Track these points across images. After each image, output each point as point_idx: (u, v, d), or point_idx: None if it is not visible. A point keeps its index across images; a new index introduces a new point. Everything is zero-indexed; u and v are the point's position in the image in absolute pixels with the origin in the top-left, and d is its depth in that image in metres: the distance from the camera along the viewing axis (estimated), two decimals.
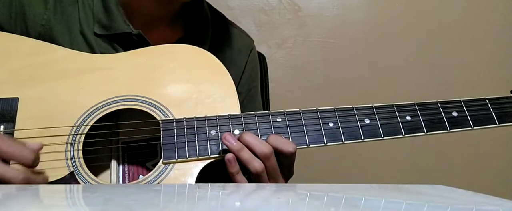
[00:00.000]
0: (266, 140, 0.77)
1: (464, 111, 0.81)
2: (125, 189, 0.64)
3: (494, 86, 1.63)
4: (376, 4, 1.65)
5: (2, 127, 0.77)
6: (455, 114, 0.81)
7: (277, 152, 0.77)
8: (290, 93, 1.57)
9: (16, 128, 0.77)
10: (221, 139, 0.77)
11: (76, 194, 0.57)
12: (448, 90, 1.63)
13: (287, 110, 0.80)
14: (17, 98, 0.79)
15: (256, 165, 0.76)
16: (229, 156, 0.76)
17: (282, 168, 0.78)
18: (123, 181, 0.82)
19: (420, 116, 0.81)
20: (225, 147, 0.77)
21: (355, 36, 1.63)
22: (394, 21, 1.64)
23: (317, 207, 0.48)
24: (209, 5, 1.03)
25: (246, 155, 0.76)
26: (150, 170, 0.84)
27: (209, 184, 0.76)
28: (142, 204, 0.48)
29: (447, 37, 1.64)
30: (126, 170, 0.84)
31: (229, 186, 0.67)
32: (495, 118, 0.81)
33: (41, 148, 0.72)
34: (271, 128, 0.79)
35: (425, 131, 0.80)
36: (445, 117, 0.81)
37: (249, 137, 0.77)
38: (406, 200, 0.52)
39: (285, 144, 0.76)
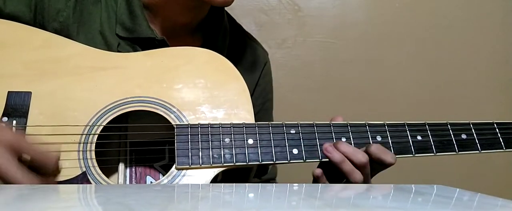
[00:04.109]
0: (367, 149, 0.78)
1: (473, 133, 0.83)
2: (125, 189, 0.63)
3: (494, 86, 1.65)
4: (376, 4, 1.65)
5: (14, 121, 0.76)
6: (464, 136, 0.82)
7: (377, 162, 0.78)
8: (290, 93, 1.57)
9: (28, 123, 0.76)
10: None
11: (76, 194, 0.57)
12: (448, 90, 1.64)
13: (301, 122, 0.81)
14: (30, 93, 0.78)
15: (357, 176, 0.77)
16: (316, 171, 0.79)
17: (372, 174, 0.80)
18: (130, 182, 0.82)
19: (430, 137, 0.82)
20: (238, 155, 0.77)
21: (355, 36, 1.63)
22: (394, 21, 1.64)
23: (318, 207, 0.48)
24: (228, 16, 1.02)
25: (347, 166, 0.77)
26: (158, 171, 0.84)
27: (211, 184, 0.76)
28: (142, 203, 0.47)
29: (447, 37, 1.64)
30: (133, 171, 0.83)
31: (230, 186, 0.67)
32: (502, 143, 0.83)
33: (58, 160, 0.72)
34: (285, 139, 0.79)
35: (434, 151, 0.81)
36: (454, 139, 0.82)
37: (346, 147, 0.78)
38: (406, 200, 0.52)
39: (387, 155, 0.78)
